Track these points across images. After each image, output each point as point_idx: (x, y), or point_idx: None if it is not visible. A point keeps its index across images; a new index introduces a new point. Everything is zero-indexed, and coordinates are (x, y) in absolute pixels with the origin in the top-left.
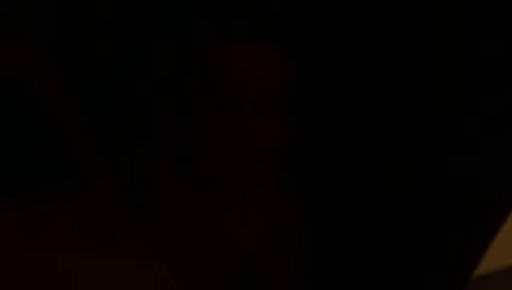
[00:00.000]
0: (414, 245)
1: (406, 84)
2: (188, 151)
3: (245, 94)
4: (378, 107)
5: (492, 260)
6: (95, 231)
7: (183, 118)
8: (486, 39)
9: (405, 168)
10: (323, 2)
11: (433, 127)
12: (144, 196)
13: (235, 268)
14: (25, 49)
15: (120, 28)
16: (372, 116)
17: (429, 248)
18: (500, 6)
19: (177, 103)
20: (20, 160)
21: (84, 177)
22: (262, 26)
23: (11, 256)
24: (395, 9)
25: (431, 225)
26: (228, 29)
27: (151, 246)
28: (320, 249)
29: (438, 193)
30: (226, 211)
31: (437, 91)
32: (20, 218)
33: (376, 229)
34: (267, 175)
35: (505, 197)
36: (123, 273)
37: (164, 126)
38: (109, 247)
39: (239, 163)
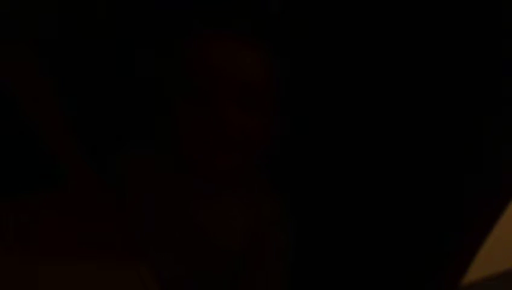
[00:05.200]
0: (401, 249)
1: (395, 84)
2: (170, 144)
3: (226, 87)
4: (366, 106)
5: (483, 266)
6: (76, 235)
7: (165, 110)
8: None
9: (391, 167)
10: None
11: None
12: (126, 195)
13: (219, 269)
14: (11, 51)
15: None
16: (360, 114)
17: (417, 252)
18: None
19: (160, 95)
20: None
21: (66, 181)
22: (252, 22)
23: None
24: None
25: (418, 229)
26: (215, 23)
27: (133, 248)
28: (306, 246)
29: (425, 195)
30: (209, 211)
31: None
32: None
33: (361, 227)
34: (248, 168)
35: (496, 199)
36: (105, 276)
37: (147, 122)
38: (90, 250)
39: (221, 153)
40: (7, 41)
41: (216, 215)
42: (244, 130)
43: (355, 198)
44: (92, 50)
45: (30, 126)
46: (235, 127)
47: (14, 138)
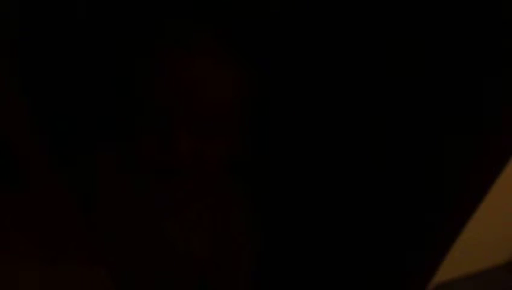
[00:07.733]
0: (370, 250)
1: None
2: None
3: (185, 111)
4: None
5: (452, 267)
6: (34, 235)
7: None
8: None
9: (359, 171)
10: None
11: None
12: (91, 200)
13: (185, 275)
14: None
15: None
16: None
17: (388, 253)
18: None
19: (121, 109)
20: None
21: (26, 181)
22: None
23: None
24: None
25: (388, 230)
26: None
27: (92, 250)
28: (271, 254)
29: (393, 196)
30: (174, 217)
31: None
32: None
33: (328, 235)
34: (207, 189)
35: (466, 201)
36: (62, 277)
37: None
38: (48, 251)
39: (175, 181)
40: None
41: (181, 220)
42: (198, 157)
43: (323, 207)
44: (58, 49)
45: None
46: (187, 154)
47: None
